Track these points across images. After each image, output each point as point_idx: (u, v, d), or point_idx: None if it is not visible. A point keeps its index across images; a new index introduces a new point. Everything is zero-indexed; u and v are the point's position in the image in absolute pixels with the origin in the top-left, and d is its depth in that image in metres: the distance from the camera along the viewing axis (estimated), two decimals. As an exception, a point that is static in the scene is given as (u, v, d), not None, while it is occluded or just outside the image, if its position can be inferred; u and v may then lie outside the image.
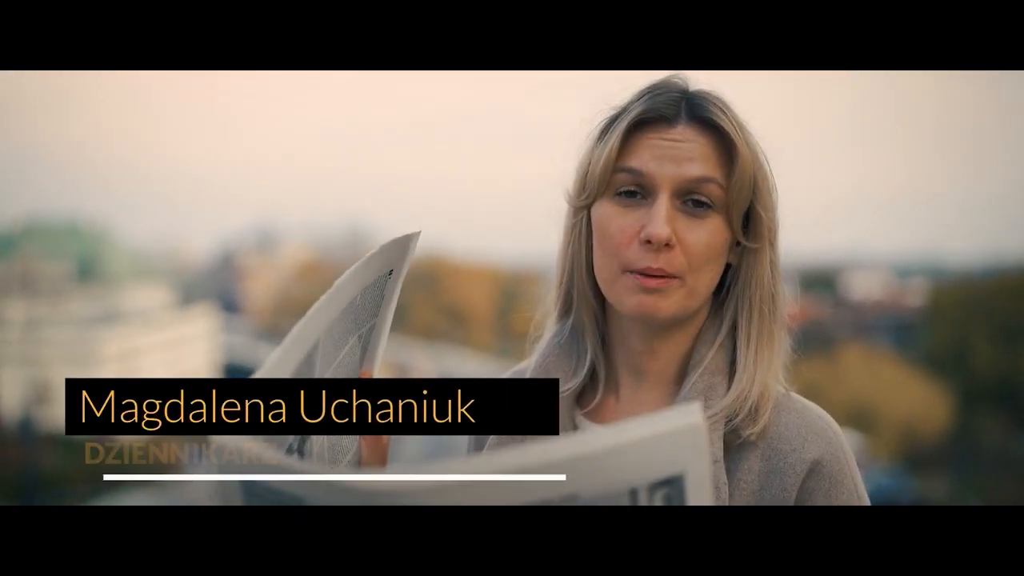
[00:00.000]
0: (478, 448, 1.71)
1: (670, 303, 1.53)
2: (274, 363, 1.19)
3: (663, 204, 1.52)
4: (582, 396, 1.65)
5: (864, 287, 63.88)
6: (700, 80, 1.61)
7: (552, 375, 1.63)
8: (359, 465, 1.54)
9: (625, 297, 1.54)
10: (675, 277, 1.52)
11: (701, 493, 0.99)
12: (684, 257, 1.52)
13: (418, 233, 1.48)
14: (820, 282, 62.42)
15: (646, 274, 1.52)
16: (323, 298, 1.30)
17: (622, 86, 1.61)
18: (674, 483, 0.97)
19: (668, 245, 1.51)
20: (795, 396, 1.58)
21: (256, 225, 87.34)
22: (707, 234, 1.53)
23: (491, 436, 1.63)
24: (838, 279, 65.28)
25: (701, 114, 1.55)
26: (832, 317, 54.31)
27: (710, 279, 1.56)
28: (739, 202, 1.55)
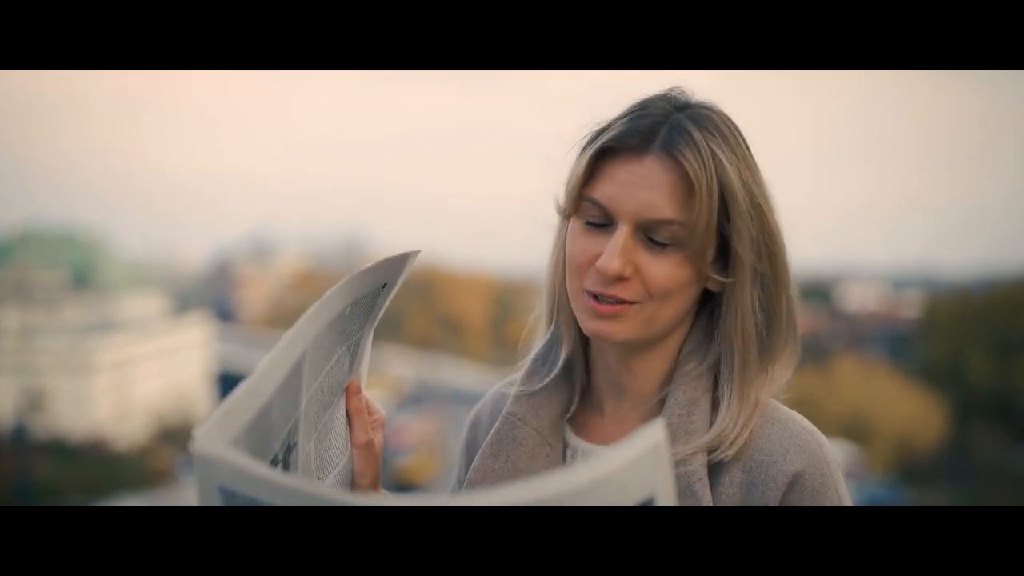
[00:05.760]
0: (468, 467, 1.70)
1: (627, 328, 1.51)
2: (264, 371, 1.18)
3: (620, 237, 1.49)
4: (576, 418, 1.65)
5: (859, 298, 63.97)
6: (703, 86, 1.56)
7: (532, 380, 1.64)
8: (351, 476, 1.53)
9: (584, 319, 1.54)
10: (632, 303, 1.50)
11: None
12: (644, 287, 1.50)
13: (417, 252, 1.47)
14: (815, 293, 62.40)
15: (599, 298, 1.50)
16: (312, 308, 1.29)
17: (617, 94, 1.59)
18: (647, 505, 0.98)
19: (622, 278, 1.49)
20: (778, 406, 1.55)
21: (252, 234, 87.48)
22: (669, 268, 1.50)
23: (474, 463, 1.62)
24: (833, 290, 65.33)
25: (672, 149, 1.49)
26: (827, 328, 54.31)
27: (674, 309, 1.53)
28: (697, 243, 1.49)
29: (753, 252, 1.52)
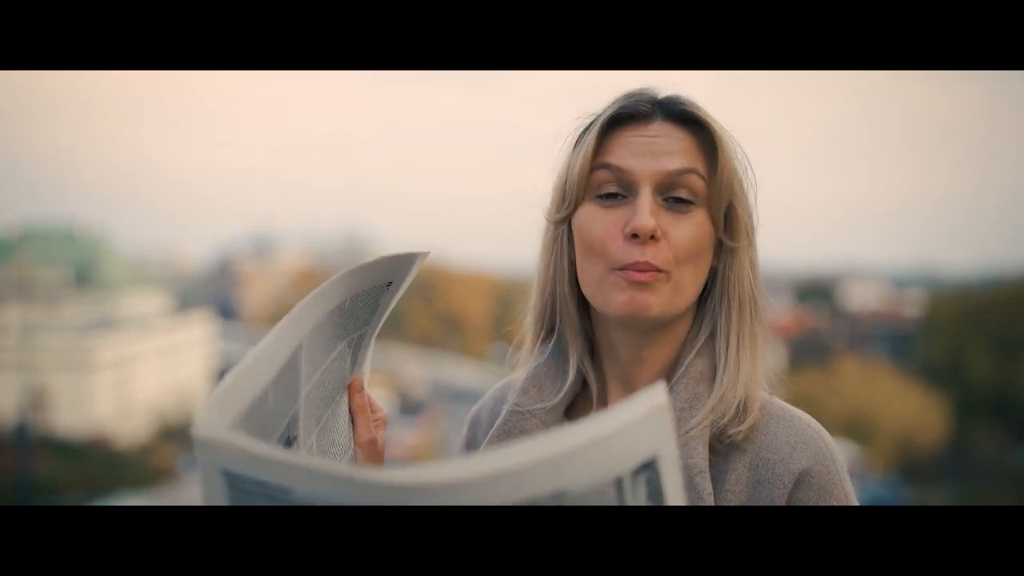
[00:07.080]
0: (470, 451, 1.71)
1: (658, 299, 1.52)
2: (256, 357, 1.17)
3: (646, 198, 1.51)
4: (575, 410, 1.65)
5: (861, 298, 63.93)
6: (702, 86, 1.60)
7: (543, 392, 1.63)
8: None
9: (613, 296, 1.53)
10: (661, 271, 1.51)
11: (673, 472, 0.98)
12: (670, 251, 1.51)
13: (427, 253, 1.46)
14: (817, 292, 62.45)
15: (634, 269, 1.50)
16: (307, 298, 1.28)
17: (614, 92, 1.60)
18: (651, 466, 0.97)
19: (654, 238, 1.50)
20: (783, 404, 1.56)
21: (253, 232, 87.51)
22: (692, 228, 1.52)
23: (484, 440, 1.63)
24: (835, 289, 65.35)
25: (677, 110, 1.55)
26: (828, 327, 54.34)
27: (695, 276, 1.54)
28: (722, 194, 1.54)
29: (751, 212, 1.58)
